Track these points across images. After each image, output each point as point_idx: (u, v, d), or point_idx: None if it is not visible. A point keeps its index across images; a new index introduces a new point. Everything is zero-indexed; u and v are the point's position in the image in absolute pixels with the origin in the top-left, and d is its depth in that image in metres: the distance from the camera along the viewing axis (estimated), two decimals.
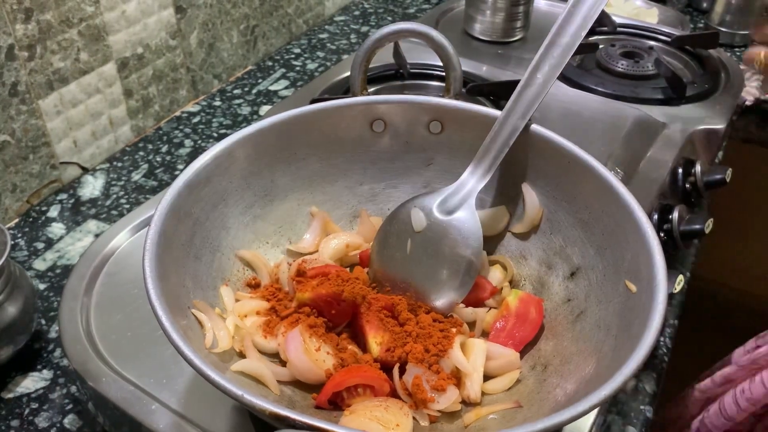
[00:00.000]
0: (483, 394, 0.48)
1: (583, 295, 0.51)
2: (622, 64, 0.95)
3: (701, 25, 1.24)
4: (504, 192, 0.58)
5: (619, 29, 1.06)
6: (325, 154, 0.60)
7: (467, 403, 0.48)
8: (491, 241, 0.58)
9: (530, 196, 0.56)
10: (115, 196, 0.81)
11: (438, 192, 0.55)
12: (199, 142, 0.90)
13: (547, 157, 0.55)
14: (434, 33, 0.68)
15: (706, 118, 0.86)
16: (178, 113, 0.96)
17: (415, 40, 0.71)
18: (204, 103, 0.98)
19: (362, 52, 0.68)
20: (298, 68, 1.07)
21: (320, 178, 0.60)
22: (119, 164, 0.86)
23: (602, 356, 0.45)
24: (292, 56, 1.10)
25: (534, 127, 0.55)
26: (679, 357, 0.84)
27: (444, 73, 0.72)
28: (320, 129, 0.59)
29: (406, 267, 0.54)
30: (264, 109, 0.97)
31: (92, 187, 0.82)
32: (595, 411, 0.52)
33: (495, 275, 0.57)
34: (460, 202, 0.54)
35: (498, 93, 0.85)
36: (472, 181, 0.54)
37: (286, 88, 1.02)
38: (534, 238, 0.57)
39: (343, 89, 0.87)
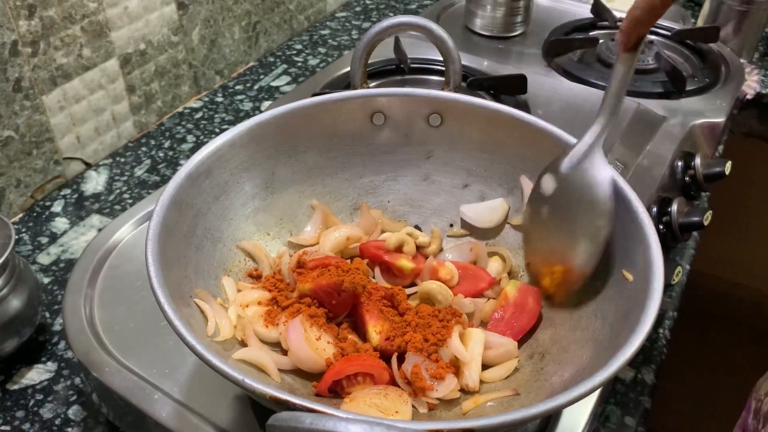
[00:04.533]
0: (481, 382, 0.49)
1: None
2: None
3: None
4: (502, 184, 0.59)
5: (619, 23, 1.06)
6: (325, 147, 0.60)
7: (465, 391, 0.48)
8: (490, 233, 0.58)
9: (528, 187, 0.57)
10: (118, 191, 0.82)
11: (567, 151, 0.53)
12: (202, 137, 0.91)
13: (544, 148, 0.55)
14: (434, 26, 0.68)
15: (706, 111, 0.86)
16: (180, 109, 0.96)
17: (416, 34, 0.71)
18: (206, 99, 0.99)
19: (362, 45, 0.68)
20: (299, 64, 1.07)
21: (320, 171, 0.61)
22: (122, 160, 0.87)
23: (599, 344, 0.46)
24: (294, 52, 1.11)
25: (530, 118, 0.55)
26: (678, 350, 0.84)
27: (444, 68, 0.72)
28: (320, 122, 0.59)
29: (548, 234, 0.54)
30: (265, 104, 0.97)
31: (95, 182, 0.83)
32: (593, 401, 0.53)
33: (493, 267, 0.57)
34: (586, 154, 0.52)
35: (498, 87, 0.86)
36: (596, 128, 0.52)
37: (288, 83, 1.02)
38: None
39: (344, 84, 0.87)
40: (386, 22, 0.67)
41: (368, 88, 0.75)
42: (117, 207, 0.79)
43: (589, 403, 0.52)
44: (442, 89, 0.72)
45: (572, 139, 0.54)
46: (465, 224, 0.61)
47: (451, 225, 0.62)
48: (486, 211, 0.58)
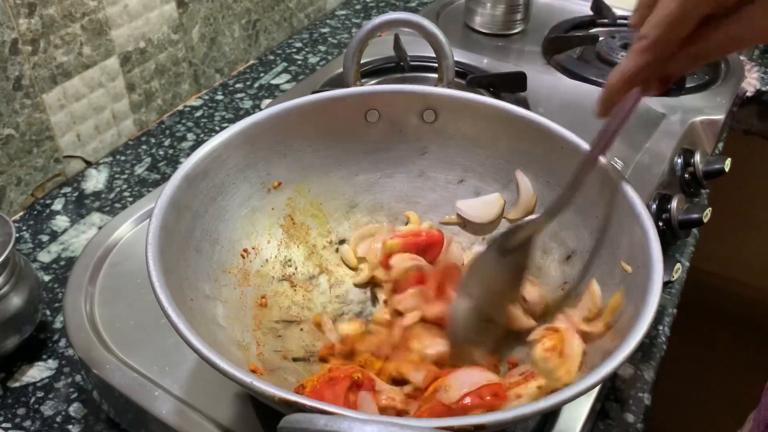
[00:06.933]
0: None
1: (579, 278, 0.52)
2: (622, 56, 0.95)
3: None
4: (497, 179, 0.59)
5: (619, 21, 1.07)
6: (321, 145, 0.60)
7: None
8: (486, 228, 0.59)
9: (524, 181, 0.57)
10: (118, 189, 0.82)
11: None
12: (202, 135, 0.91)
13: (539, 142, 0.55)
14: (425, 22, 0.68)
15: (706, 108, 0.86)
16: (180, 107, 0.96)
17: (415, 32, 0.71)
18: (206, 97, 0.99)
19: (354, 43, 0.68)
20: (299, 62, 1.08)
21: (316, 170, 0.61)
22: (122, 158, 0.87)
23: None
24: (294, 50, 1.11)
25: (524, 112, 0.55)
26: (678, 346, 0.84)
27: None
28: (314, 121, 0.59)
29: None
30: (266, 102, 0.98)
31: (96, 180, 0.83)
32: (593, 397, 0.53)
33: None
34: None
35: (498, 85, 0.86)
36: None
37: (288, 81, 1.02)
38: None
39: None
40: (377, 20, 0.67)
41: (361, 86, 0.75)
42: (117, 205, 0.79)
43: (588, 400, 0.52)
44: (436, 85, 0.72)
45: (566, 132, 0.54)
46: (461, 219, 0.61)
47: None
48: (482, 206, 0.58)
